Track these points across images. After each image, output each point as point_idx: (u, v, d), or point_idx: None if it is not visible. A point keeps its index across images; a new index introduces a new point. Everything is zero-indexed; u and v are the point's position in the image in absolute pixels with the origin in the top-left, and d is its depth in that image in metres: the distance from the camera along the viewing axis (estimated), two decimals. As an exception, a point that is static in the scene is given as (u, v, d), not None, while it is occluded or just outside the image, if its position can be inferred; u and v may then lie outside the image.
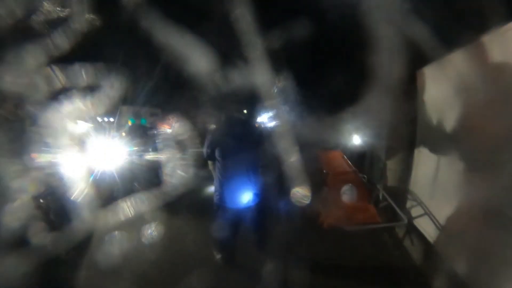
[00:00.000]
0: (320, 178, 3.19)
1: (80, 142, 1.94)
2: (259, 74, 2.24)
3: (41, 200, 1.47)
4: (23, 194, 1.32)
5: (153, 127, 4.19)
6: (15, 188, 1.29)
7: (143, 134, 3.83)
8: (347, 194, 3.00)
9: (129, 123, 4.58)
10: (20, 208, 1.30)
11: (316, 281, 2.02)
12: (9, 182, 1.26)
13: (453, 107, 1.89)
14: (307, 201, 2.11)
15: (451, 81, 1.90)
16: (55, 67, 1.66)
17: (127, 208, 2.61)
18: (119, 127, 3.93)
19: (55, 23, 1.72)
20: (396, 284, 2.11)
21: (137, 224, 2.65)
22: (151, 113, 6.24)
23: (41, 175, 1.43)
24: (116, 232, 2.49)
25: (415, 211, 2.54)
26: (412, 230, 2.56)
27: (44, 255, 1.42)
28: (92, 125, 2.21)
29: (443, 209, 2.06)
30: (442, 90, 2.06)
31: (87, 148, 2.07)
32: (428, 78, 2.38)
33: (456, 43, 1.76)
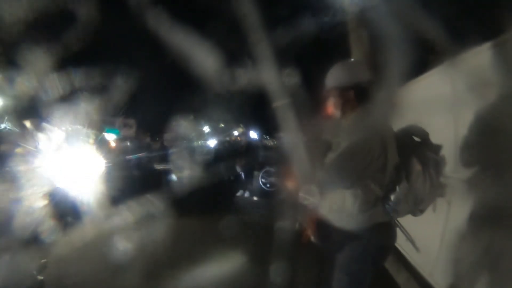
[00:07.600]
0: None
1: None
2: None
3: (53, 201, 1.53)
4: (35, 195, 1.36)
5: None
6: (28, 190, 1.34)
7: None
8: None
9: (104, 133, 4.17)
10: (32, 209, 1.34)
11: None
12: (22, 184, 1.33)
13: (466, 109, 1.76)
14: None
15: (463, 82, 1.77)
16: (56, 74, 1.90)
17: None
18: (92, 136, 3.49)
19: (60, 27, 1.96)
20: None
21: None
22: (125, 124, 5.62)
23: (52, 177, 1.52)
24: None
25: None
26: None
27: (55, 252, 1.59)
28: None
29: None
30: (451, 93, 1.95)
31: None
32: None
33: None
